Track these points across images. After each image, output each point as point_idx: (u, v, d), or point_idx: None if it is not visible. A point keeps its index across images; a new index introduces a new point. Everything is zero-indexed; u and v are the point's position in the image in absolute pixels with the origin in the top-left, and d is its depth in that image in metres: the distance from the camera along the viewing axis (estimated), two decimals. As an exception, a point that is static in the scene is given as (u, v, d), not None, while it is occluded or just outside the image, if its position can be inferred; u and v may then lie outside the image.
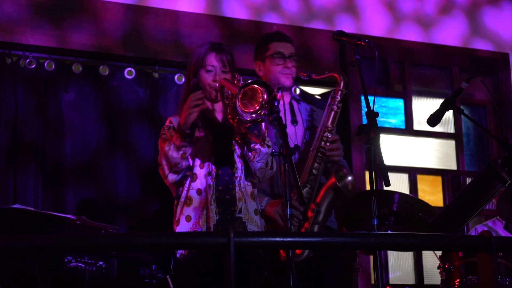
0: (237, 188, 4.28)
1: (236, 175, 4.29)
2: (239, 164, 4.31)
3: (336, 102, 4.60)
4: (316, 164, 4.50)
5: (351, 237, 3.65)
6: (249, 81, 4.07)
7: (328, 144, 4.56)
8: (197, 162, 4.29)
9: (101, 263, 4.79)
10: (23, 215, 4.65)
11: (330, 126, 4.58)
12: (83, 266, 4.69)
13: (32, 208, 4.92)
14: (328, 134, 4.57)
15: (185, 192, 4.28)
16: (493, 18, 7.61)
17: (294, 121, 4.70)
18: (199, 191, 4.26)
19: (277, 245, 3.32)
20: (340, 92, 4.61)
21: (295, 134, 4.65)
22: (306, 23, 6.83)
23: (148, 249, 4.29)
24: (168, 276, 5.14)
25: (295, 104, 4.79)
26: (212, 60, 4.35)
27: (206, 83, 4.35)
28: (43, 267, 4.43)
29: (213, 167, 4.28)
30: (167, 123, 4.43)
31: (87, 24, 6.22)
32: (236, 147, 4.31)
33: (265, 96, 4.04)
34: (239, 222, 4.24)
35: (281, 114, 4.45)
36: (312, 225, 4.39)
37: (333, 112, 4.60)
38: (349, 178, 4.48)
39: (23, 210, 4.71)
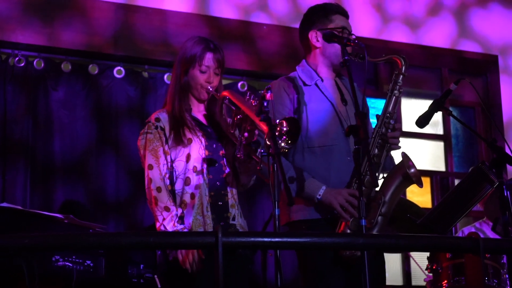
0: (229, 195, 4.21)
1: (227, 180, 4.21)
2: (228, 170, 4.21)
3: (398, 87, 4.39)
4: (376, 151, 4.27)
5: (340, 237, 3.65)
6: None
7: (389, 131, 4.31)
8: (191, 165, 4.18)
9: (88, 262, 4.77)
10: (10, 213, 4.63)
11: (392, 112, 4.37)
12: (71, 265, 4.67)
13: (19, 207, 4.91)
14: (391, 121, 4.34)
15: (179, 195, 4.19)
16: (481, 20, 7.63)
17: (343, 100, 4.44)
18: (192, 195, 4.15)
19: (265, 245, 3.31)
20: (401, 76, 4.40)
21: (346, 114, 4.41)
22: (294, 23, 6.83)
23: (137, 248, 4.27)
24: (156, 276, 5.13)
25: (338, 81, 4.52)
26: (209, 61, 4.23)
27: (198, 83, 4.24)
28: (31, 266, 4.41)
29: (206, 171, 4.18)
30: (153, 120, 4.24)
31: (77, 23, 6.21)
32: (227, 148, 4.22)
33: (285, 128, 3.75)
34: (233, 229, 4.17)
35: (332, 95, 4.38)
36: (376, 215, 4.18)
37: (394, 97, 4.39)
38: (413, 170, 4.24)
39: (11, 208, 4.69)
